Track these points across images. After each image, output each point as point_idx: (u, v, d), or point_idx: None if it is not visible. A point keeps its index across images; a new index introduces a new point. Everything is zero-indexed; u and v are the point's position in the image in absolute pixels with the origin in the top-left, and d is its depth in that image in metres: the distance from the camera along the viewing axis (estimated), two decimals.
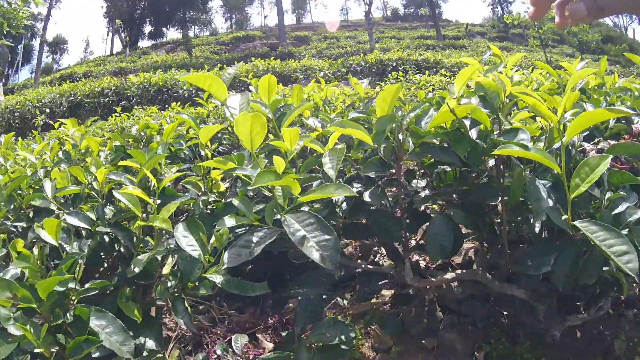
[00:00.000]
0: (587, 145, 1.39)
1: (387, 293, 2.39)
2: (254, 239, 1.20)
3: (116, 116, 6.16)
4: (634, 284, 1.69)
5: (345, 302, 2.34)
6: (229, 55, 28.35)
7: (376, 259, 2.55)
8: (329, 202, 1.37)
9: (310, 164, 1.37)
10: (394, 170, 1.24)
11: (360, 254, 2.58)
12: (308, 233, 1.06)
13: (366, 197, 1.29)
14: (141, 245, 1.51)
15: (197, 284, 1.41)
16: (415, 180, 1.42)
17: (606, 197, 1.24)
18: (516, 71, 1.85)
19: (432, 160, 1.31)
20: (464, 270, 2.22)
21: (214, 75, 1.14)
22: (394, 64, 14.88)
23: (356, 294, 2.10)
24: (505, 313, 2.19)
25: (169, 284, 1.43)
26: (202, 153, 2.00)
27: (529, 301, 1.59)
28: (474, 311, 2.21)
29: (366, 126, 1.34)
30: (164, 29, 53.50)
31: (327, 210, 1.32)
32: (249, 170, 1.13)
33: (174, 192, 1.70)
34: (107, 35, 53.21)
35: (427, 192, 1.45)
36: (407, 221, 1.44)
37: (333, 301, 2.29)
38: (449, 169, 1.37)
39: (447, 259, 1.43)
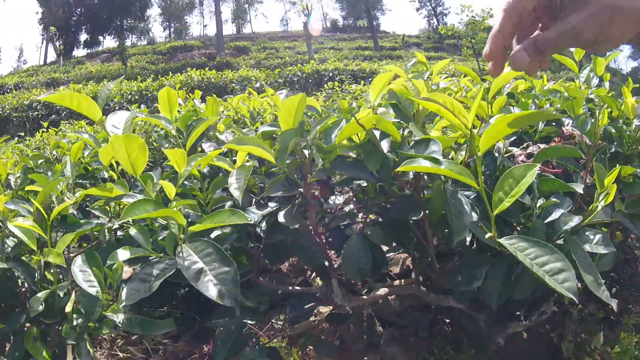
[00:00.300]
0: (515, 150, 1.34)
1: (325, 310, 2.29)
2: (154, 272, 1.05)
3: (43, 132, 5.73)
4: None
5: (280, 323, 2.22)
6: (165, 66, 27.64)
7: (312, 277, 2.44)
8: (242, 224, 1.24)
9: (219, 184, 1.23)
10: (302, 189, 1.12)
11: (292, 273, 2.47)
12: (206, 265, 0.93)
13: (280, 217, 1.16)
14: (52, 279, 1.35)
15: (98, 323, 1.26)
16: (333, 197, 1.31)
17: (537, 204, 1.18)
18: (446, 78, 1.80)
19: (345, 176, 1.20)
20: (402, 281, 2.15)
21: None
22: (331, 74, 15.00)
23: (288, 316, 1.98)
24: (447, 321, 2.15)
25: (74, 323, 1.28)
26: (106, 175, 1.81)
27: (467, 311, 1.53)
28: (415, 322, 2.15)
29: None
30: (100, 38, 51.42)
31: (237, 235, 1.18)
32: (139, 197, 0.98)
33: (76, 220, 1.53)
34: (42, 43, 50.14)
35: (351, 206, 1.35)
36: (330, 239, 1.33)
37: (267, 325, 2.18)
38: (365, 184, 1.26)
39: (367, 280, 1.34)
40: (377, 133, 1.01)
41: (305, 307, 1.53)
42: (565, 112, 1.45)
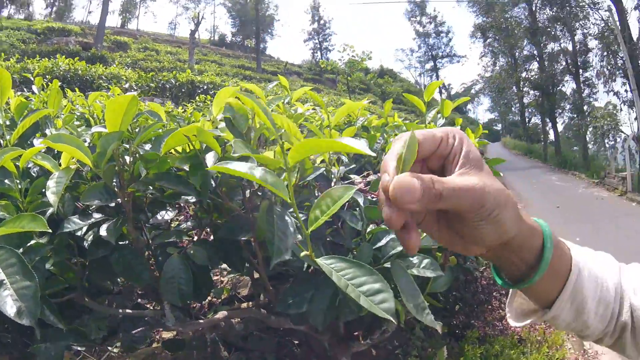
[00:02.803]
0: (356, 178, 1.39)
1: (168, 335, 2.15)
2: None
3: None
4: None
5: (116, 350, 2.03)
6: (36, 47, 24.61)
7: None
8: (63, 234, 1.10)
9: (39, 186, 1.08)
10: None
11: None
12: (8, 277, 0.80)
13: (102, 230, 1.06)
14: None
15: None
16: (163, 212, 1.22)
17: (367, 230, 1.23)
18: (310, 106, 1.82)
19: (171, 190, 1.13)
20: (250, 304, 2.10)
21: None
22: (205, 87, 14.52)
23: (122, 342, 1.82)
24: (296, 342, 2.14)
25: None
26: None
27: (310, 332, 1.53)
28: (262, 345, 2.11)
29: None
30: None
31: (53, 246, 1.05)
32: None
33: None
34: None
35: (189, 223, 1.27)
36: (160, 258, 1.24)
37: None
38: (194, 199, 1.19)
39: (188, 303, 1.26)
40: (205, 146, 0.97)
41: (135, 332, 1.40)
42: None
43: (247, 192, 1.08)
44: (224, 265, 1.75)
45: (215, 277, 2.42)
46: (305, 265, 1.20)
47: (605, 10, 20.44)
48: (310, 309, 1.10)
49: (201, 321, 1.43)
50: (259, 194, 1.09)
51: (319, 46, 52.93)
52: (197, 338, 1.95)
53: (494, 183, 0.53)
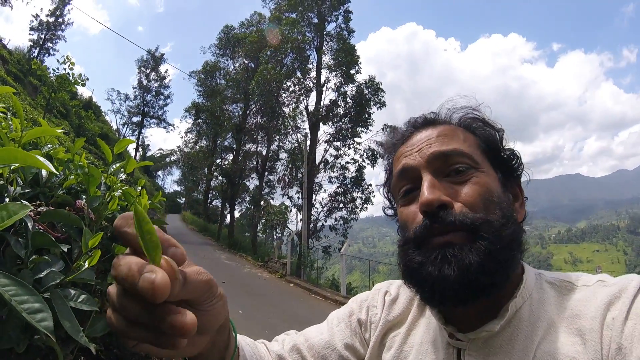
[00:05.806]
0: (25, 203, 1.36)
1: None
2: None
3: None
4: (70, 353, 1.69)
5: None
6: None
7: None
8: None
9: None
10: None
11: None
12: None
13: None
14: None
15: None
16: None
17: (31, 259, 1.23)
18: (2, 108, 1.70)
19: None
20: None
21: None
22: None
23: None
24: None
25: None
26: None
27: None
28: None
29: None
30: None
31: None
32: None
33: None
34: None
35: None
36: None
37: None
38: None
39: None
40: None
41: None
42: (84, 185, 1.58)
43: None
44: None
45: None
46: None
47: (302, 135, 24.11)
48: None
49: None
50: None
51: (41, 43, 43.74)
52: None
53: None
